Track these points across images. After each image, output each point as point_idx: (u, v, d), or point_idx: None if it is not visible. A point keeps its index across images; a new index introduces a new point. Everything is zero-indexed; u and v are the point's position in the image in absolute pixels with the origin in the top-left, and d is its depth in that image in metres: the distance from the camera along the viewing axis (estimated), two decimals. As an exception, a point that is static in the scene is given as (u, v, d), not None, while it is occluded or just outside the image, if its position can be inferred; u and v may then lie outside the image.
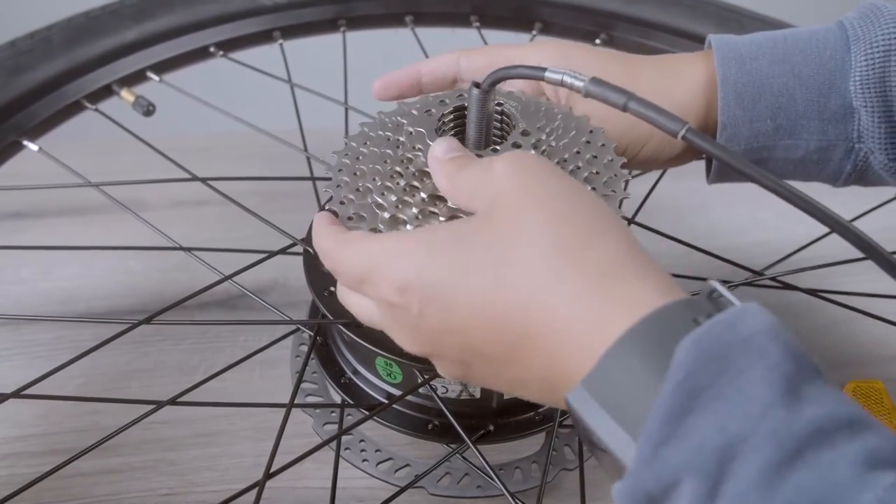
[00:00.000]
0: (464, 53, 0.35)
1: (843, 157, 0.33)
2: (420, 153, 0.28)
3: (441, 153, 0.26)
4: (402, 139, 0.30)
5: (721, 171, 0.36)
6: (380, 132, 0.31)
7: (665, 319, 0.20)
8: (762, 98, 0.32)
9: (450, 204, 0.27)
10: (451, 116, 0.30)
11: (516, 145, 0.29)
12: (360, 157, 0.30)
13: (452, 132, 0.31)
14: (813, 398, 0.17)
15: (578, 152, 0.30)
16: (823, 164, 0.34)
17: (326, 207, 0.29)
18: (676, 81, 0.34)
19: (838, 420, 0.17)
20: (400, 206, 0.27)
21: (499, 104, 0.30)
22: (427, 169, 0.28)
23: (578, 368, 0.21)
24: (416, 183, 0.28)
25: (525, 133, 0.29)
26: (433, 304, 0.23)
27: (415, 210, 0.27)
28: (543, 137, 0.29)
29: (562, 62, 0.33)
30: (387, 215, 0.27)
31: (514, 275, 0.22)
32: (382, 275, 0.24)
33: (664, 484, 0.18)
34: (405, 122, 0.30)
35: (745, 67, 0.33)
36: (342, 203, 0.28)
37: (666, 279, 0.22)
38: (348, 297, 0.27)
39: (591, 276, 0.21)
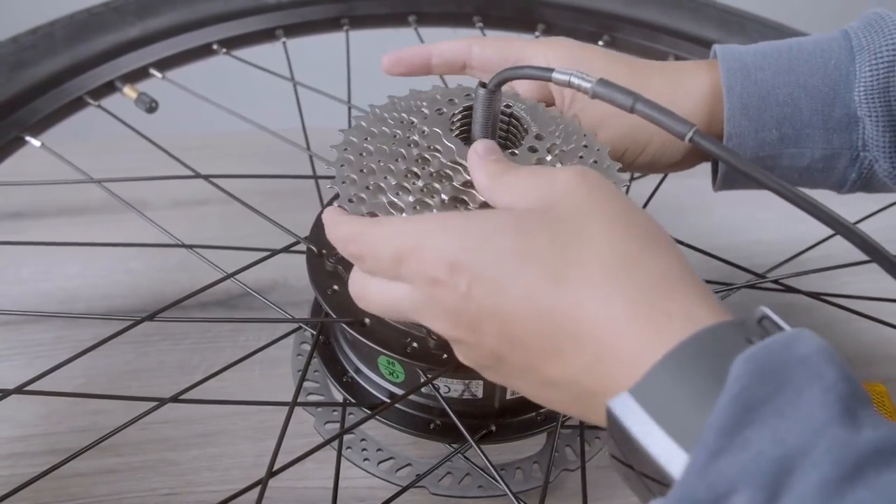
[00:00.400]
0: (476, 42, 0.35)
1: (848, 165, 0.34)
2: (439, 154, 0.28)
3: (483, 152, 0.26)
4: (415, 138, 0.29)
5: (727, 179, 0.36)
6: (383, 128, 0.30)
7: (719, 336, 0.20)
8: (767, 108, 0.33)
9: (471, 207, 0.27)
10: (460, 116, 0.30)
11: (532, 150, 0.29)
12: (365, 154, 0.29)
13: (459, 132, 0.31)
14: (868, 422, 0.18)
15: (581, 157, 0.30)
16: (828, 172, 0.34)
17: (335, 204, 0.28)
18: (681, 90, 0.34)
19: (894, 444, 0.17)
20: (418, 207, 0.27)
21: (507, 106, 0.30)
22: (448, 171, 0.28)
23: (624, 376, 0.20)
24: (436, 184, 0.27)
25: (539, 137, 0.29)
26: (484, 286, 0.23)
27: (434, 212, 0.27)
28: (557, 142, 0.29)
29: (571, 61, 0.33)
30: (404, 216, 0.27)
31: (574, 272, 0.22)
32: (430, 250, 0.23)
33: (716, 494, 0.17)
34: (415, 120, 0.30)
35: (750, 78, 0.33)
36: (351, 201, 0.28)
37: (717, 301, 0.22)
38: (369, 284, 0.26)
39: (648, 287, 0.21)
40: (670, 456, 0.19)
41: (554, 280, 0.22)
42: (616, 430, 0.20)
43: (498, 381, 0.26)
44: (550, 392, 0.24)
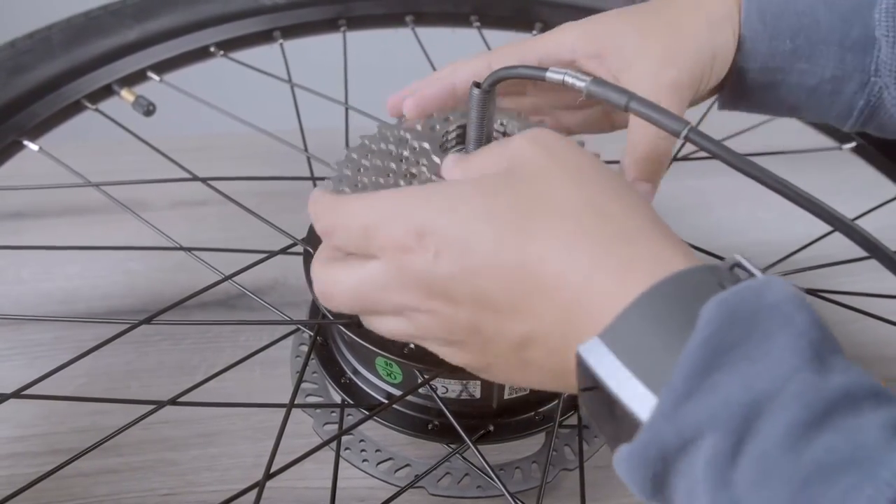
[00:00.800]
0: (494, 56, 0.34)
1: (858, 90, 0.33)
2: (425, 168, 0.29)
3: (452, 161, 0.27)
4: (406, 154, 0.30)
5: (731, 100, 0.35)
6: (382, 146, 0.31)
7: (690, 280, 0.20)
8: (785, 17, 0.32)
9: None
10: (455, 133, 0.31)
11: None
12: (362, 170, 0.30)
13: (455, 148, 0.31)
14: (838, 367, 0.18)
15: None
16: (836, 96, 0.33)
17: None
18: (705, 8, 0.33)
19: (864, 389, 0.17)
20: None
21: (501, 124, 0.31)
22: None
23: (594, 323, 0.20)
24: None
25: None
26: (453, 248, 0.23)
27: None
28: None
29: (595, 39, 0.33)
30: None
31: (538, 226, 0.22)
32: (397, 220, 0.24)
33: (684, 438, 0.17)
34: (409, 136, 0.31)
35: None
36: None
37: (687, 247, 0.22)
38: (335, 272, 0.26)
39: (615, 235, 0.21)
40: (640, 400, 0.19)
41: (519, 235, 0.22)
42: (586, 378, 0.20)
43: (475, 363, 0.25)
44: (528, 351, 0.23)
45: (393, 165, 0.30)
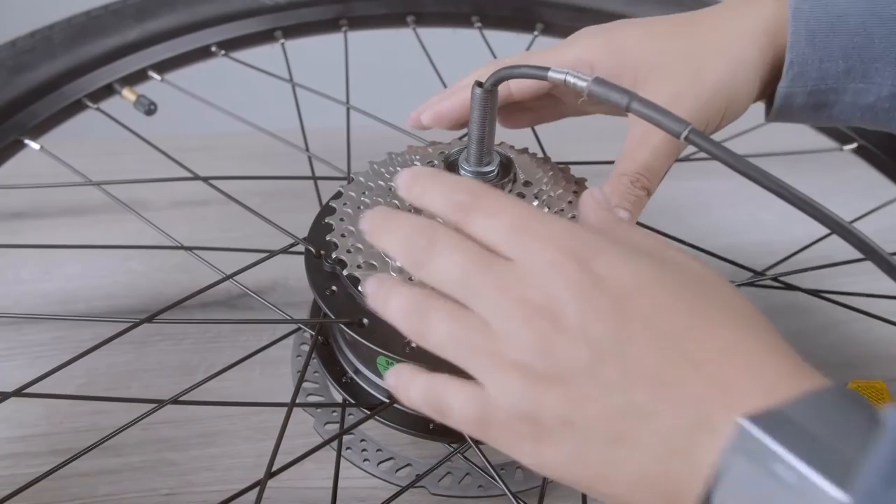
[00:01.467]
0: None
1: None
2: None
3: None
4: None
5: (782, 113, 0.34)
6: (380, 182, 0.33)
7: (852, 393, 0.19)
8: (836, 36, 0.31)
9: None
10: (456, 149, 0.32)
11: (520, 195, 0.31)
12: (362, 207, 0.32)
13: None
14: None
15: (571, 202, 0.32)
16: (894, 111, 0.32)
17: (334, 255, 0.31)
18: (733, 28, 0.32)
19: None
20: None
21: (498, 153, 0.32)
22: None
23: (755, 400, 0.19)
24: None
25: (527, 183, 0.32)
26: (617, 272, 0.21)
27: None
28: (544, 188, 0.32)
29: (609, 52, 0.32)
30: (398, 264, 0.28)
31: (710, 308, 0.21)
32: (559, 228, 0.22)
33: None
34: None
35: (820, 1, 0.31)
36: (349, 251, 0.30)
37: None
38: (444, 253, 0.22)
39: (779, 338, 0.21)
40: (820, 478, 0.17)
41: (688, 311, 0.21)
42: (748, 451, 0.18)
43: (555, 408, 0.21)
44: (623, 432, 0.20)
45: (396, 202, 0.31)
